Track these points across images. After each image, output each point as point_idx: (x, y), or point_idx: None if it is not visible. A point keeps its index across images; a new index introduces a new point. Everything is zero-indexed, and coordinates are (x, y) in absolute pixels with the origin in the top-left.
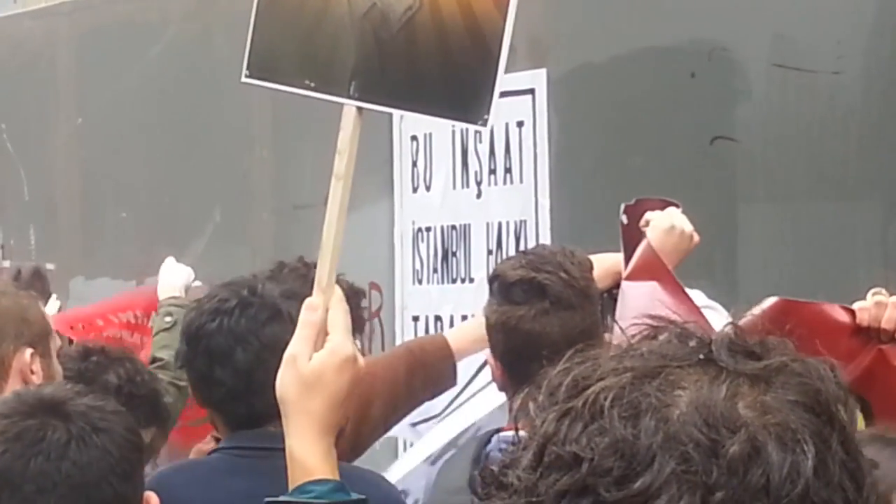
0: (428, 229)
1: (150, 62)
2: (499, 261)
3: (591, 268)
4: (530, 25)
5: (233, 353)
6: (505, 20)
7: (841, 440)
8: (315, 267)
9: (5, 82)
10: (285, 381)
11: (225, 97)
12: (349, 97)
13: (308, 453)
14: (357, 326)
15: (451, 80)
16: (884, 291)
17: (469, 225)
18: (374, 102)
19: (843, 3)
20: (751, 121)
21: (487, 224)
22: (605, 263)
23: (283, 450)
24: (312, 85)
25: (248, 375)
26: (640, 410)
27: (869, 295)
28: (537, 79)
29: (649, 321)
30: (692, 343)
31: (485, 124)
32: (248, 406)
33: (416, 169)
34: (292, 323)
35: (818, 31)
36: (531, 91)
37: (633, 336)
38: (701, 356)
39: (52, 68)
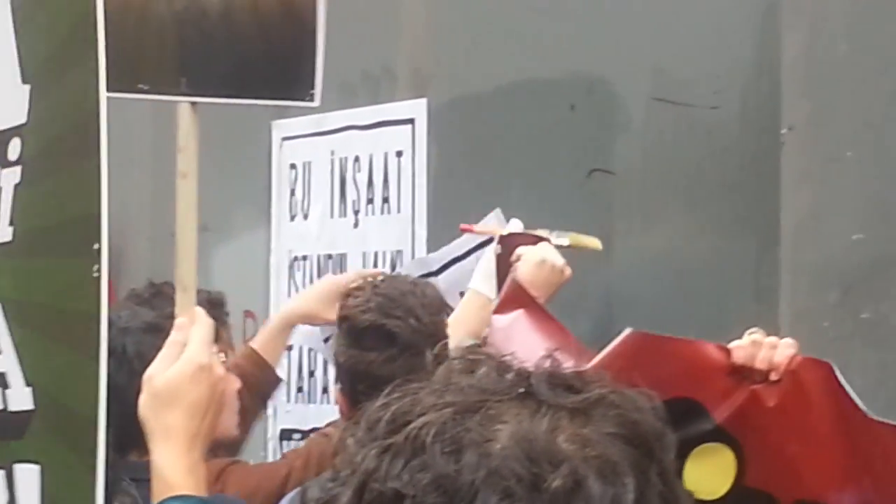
0: (304, 258)
1: None
2: None
3: (441, 306)
4: (411, 55)
5: None
6: None
7: (659, 471)
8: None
9: None
10: (143, 402)
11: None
12: (181, 94)
13: (171, 468)
14: (220, 337)
15: (274, 61)
16: (761, 331)
17: (345, 254)
18: (207, 95)
19: (722, 38)
20: (629, 154)
21: (364, 254)
22: None
23: (143, 480)
24: (146, 88)
25: None
26: (462, 445)
27: (746, 334)
28: (417, 109)
29: (468, 355)
30: (510, 376)
31: (312, 99)
32: None
33: (293, 197)
34: (128, 361)
35: (697, 66)
36: (411, 121)
37: (452, 371)
38: (521, 390)
39: None
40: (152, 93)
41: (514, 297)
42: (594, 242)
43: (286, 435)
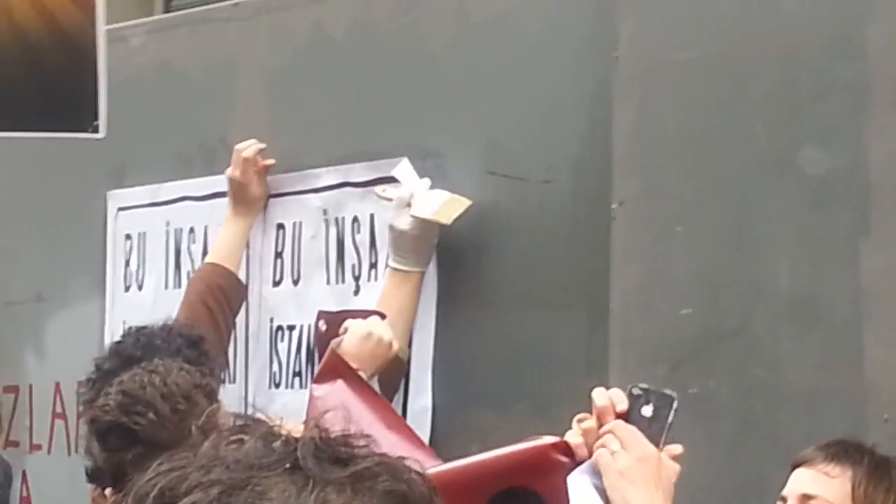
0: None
1: None
2: None
3: (189, 389)
4: (246, 127)
5: None
6: (92, 22)
7: None
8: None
9: None
10: None
11: None
12: None
13: None
14: None
15: (50, 94)
16: (588, 416)
17: None
18: None
19: (555, 113)
20: (462, 226)
21: None
22: None
23: None
24: None
25: None
26: None
27: (574, 422)
28: None
29: (238, 423)
30: (277, 446)
31: (97, 130)
32: None
33: (128, 268)
34: None
35: (530, 140)
36: None
37: (220, 443)
38: (287, 465)
39: None
40: None
41: (332, 368)
42: (450, 211)
43: None
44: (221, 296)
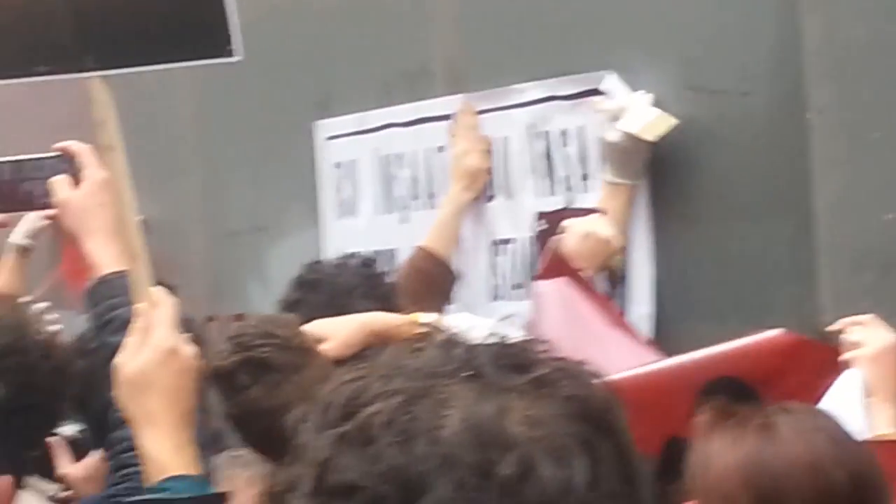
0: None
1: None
2: None
3: (298, 322)
4: (446, 51)
5: None
6: None
7: (612, 445)
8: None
9: None
10: (117, 391)
11: (155, 128)
12: (91, 69)
13: (158, 450)
14: None
15: (183, 20)
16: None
17: (395, 250)
18: (117, 66)
19: (744, 25)
20: (667, 142)
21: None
22: (348, 327)
23: None
24: (46, 69)
25: None
26: (412, 434)
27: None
28: (454, 105)
29: (422, 332)
30: (456, 353)
31: (231, 55)
32: None
33: (340, 195)
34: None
35: (723, 54)
36: (450, 116)
37: (400, 352)
38: (467, 373)
39: None
40: (55, 73)
41: (553, 266)
42: (656, 129)
43: None
44: (423, 278)
